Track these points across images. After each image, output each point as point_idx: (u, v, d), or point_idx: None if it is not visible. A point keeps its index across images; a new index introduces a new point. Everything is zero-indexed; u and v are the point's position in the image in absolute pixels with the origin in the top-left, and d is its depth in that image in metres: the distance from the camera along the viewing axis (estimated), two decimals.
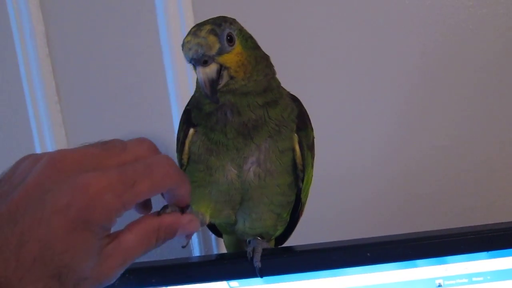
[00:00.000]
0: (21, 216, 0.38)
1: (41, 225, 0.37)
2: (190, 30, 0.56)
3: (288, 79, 0.65)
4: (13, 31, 0.97)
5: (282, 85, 0.64)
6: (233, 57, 0.56)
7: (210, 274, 0.67)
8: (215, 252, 1.02)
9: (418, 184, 0.98)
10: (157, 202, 0.50)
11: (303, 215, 0.73)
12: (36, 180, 0.39)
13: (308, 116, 0.66)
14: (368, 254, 0.65)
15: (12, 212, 0.38)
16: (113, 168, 0.41)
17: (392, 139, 0.97)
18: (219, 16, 0.58)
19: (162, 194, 0.48)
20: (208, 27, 0.55)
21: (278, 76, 0.64)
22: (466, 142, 0.96)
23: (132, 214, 0.46)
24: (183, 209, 0.50)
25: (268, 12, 0.93)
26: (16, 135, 1.03)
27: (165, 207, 0.50)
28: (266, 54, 0.62)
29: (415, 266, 0.65)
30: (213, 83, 0.55)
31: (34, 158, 0.42)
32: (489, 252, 0.64)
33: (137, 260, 0.46)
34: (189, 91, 0.93)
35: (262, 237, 0.69)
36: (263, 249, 0.66)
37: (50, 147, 1.01)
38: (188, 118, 0.64)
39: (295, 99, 0.65)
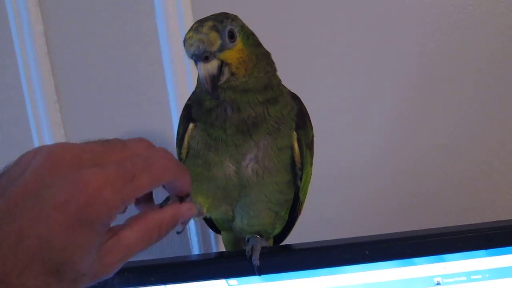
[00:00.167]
0: (20, 212, 0.37)
1: (40, 221, 0.37)
2: (192, 26, 0.56)
3: (289, 77, 0.65)
4: (12, 30, 0.98)
5: (283, 83, 0.64)
6: (234, 53, 0.56)
7: (209, 272, 0.67)
8: (214, 250, 1.02)
9: (417, 183, 0.98)
10: (158, 195, 0.50)
11: (301, 214, 0.73)
12: (35, 175, 0.39)
13: (308, 114, 0.66)
14: (367, 252, 0.65)
15: (11, 208, 0.38)
16: (112, 163, 0.41)
17: (392, 138, 0.97)
18: (221, 13, 0.58)
19: (164, 186, 0.48)
20: (210, 23, 0.55)
21: (278, 73, 0.64)
22: (465, 142, 0.96)
23: (133, 208, 0.46)
24: (182, 198, 0.50)
25: (268, 11, 0.93)
26: (15, 134, 1.03)
27: (166, 199, 0.50)
28: (267, 51, 0.62)
29: (414, 264, 0.65)
30: (214, 79, 0.55)
31: (33, 151, 0.42)
32: (488, 250, 0.64)
33: (136, 258, 0.46)
34: (188, 89, 0.93)
35: (261, 235, 0.69)
36: (262, 247, 0.66)
37: None
38: (188, 113, 0.64)
39: (295, 97, 0.65)
